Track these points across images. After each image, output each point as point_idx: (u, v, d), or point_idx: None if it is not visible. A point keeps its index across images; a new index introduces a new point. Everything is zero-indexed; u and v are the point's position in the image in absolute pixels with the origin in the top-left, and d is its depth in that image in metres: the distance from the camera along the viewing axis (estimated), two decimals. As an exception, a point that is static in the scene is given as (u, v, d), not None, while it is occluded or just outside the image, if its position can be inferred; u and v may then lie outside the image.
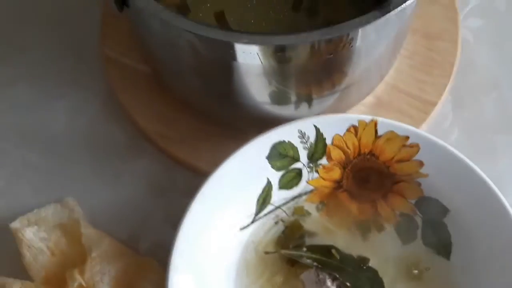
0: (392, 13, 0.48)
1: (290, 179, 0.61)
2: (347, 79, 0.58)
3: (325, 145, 0.61)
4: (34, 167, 0.66)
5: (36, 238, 0.60)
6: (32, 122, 0.68)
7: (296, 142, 0.61)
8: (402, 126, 0.60)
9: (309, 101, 0.60)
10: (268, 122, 0.62)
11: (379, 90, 0.68)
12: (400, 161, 0.60)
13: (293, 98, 0.59)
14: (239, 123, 0.63)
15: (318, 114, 0.62)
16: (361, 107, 0.67)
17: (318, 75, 0.55)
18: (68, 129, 0.68)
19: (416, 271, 0.60)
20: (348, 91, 0.61)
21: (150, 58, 0.63)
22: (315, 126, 0.61)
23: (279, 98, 0.59)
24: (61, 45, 0.71)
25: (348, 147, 0.61)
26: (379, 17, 0.47)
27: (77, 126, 0.68)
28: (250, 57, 0.51)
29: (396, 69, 0.68)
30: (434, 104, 0.68)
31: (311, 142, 0.61)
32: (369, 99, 0.67)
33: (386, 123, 0.61)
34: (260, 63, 0.51)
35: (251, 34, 0.47)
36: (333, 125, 0.61)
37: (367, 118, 0.61)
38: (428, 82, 0.68)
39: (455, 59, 0.69)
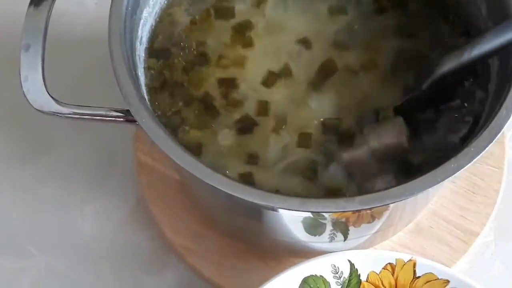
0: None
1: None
2: (390, 222, 0.53)
3: (359, 281, 0.55)
4: (56, 275, 0.62)
5: None
6: (57, 226, 0.64)
7: (329, 277, 0.55)
8: (442, 269, 0.55)
9: (345, 235, 0.55)
10: (299, 250, 0.57)
11: (419, 215, 0.63)
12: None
13: (329, 231, 0.55)
14: (269, 248, 0.59)
15: (354, 247, 0.57)
16: (399, 233, 0.62)
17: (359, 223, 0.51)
18: (94, 235, 0.63)
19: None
20: (388, 225, 0.57)
21: (185, 185, 0.59)
22: (349, 261, 0.55)
23: (313, 230, 0.55)
24: (92, 146, 0.67)
25: (384, 286, 0.56)
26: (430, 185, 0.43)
27: (103, 233, 0.63)
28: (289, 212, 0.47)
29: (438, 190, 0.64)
30: (476, 234, 0.61)
31: (345, 278, 0.55)
32: (408, 224, 0.63)
33: (425, 264, 0.55)
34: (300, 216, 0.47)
35: (285, 199, 0.43)
36: (369, 261, 0.55)
37: (405, 257, 0.55)
38: (471, 210, 0.62)
39: (500, 186, 0.64)
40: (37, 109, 0.49)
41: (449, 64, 0.50)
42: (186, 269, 0.62)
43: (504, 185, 0.64)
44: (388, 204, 0.44)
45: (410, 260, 0.55)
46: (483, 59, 0.52)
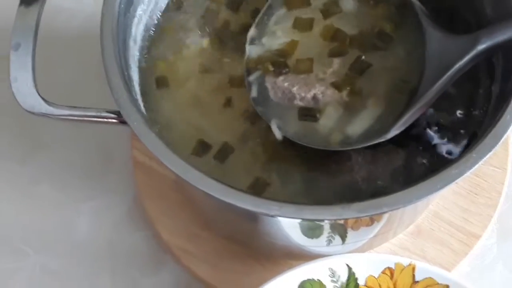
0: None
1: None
2: (389, 225, 0.51)
3: (357, 286, 0.53)
4: (51, 275, 0.60)
5: None
6: (53, 225, 0.62)
7: (326, 280, 0.53)
8: (442, 274, 0.53)
9: (343, 238, 0.53)
10: (297, 254, 0.56)
11: (420, 217, 0.61)
12: (438, 311, 0.53)
13: (326, 233, 0.53)
14: (266, 250, 0.57)
15: (353, 250, 0.55)
16: (399, 235, 0.61)
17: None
18: (90, 234, 0.62)
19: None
20: (388, 228, 0.55)
21: (180, 186, 0.57)
22: (347, 265, 0.54)
23: (311, 232, 0.53)
24: (89, 144, 0.65)
25: (382, 290, 0.54)
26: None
27: (99, 232, 0.62)
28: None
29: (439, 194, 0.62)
30: (478, 237, 0.59)
31: (342, 282, 0.54)
32: (409, 227, 0.61)
33: (425, 269, 0.53)
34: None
35: (280, 206, 0.41)
36: (367, 265, 0.54)
37: (405, 261, 0.53)
38: (473, 212, 0.60)
39: (503, 187, 0.62)
40: (27, 110, 0.47)
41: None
42: (183, 270, 0.60)
43: (507, 186, 0.62)
44: (386, 211, 0.42)
45: (409, 264, 0.53)
46: (492, 51, 0.49)
